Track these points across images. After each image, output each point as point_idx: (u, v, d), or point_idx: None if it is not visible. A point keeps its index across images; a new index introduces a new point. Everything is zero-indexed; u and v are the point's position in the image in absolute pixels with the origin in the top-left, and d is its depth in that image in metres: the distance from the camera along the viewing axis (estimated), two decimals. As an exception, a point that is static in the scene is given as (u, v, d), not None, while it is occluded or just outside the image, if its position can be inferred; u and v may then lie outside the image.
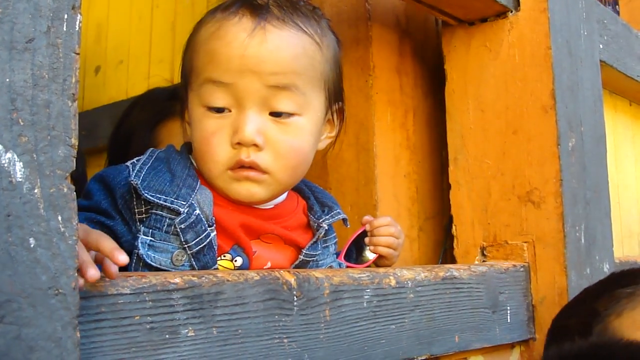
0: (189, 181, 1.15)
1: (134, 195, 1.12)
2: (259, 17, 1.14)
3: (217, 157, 1.14)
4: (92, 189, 1.16)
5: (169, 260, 1.10)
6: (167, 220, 1.11)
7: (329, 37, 1.23)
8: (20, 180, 0.67)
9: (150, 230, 1.12)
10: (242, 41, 1.12)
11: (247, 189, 1.15)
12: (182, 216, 1.10)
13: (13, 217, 0.66)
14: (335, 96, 1.25)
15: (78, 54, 0.72)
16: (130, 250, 1.12)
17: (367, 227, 1.37)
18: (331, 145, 1.31)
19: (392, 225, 1.38)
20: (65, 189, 0.70)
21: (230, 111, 1.14)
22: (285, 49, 1.14)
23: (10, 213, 0.66)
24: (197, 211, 1.11)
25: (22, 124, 0.67)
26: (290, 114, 1.15)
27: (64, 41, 0.71)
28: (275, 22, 1.15)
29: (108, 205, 1.15)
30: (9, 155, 0.66)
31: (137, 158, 1.18)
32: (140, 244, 1.11)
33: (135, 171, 1.13)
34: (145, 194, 1.10)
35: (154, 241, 1.11)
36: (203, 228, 1.11)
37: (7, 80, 0.66)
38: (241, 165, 1.13)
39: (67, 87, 0.71)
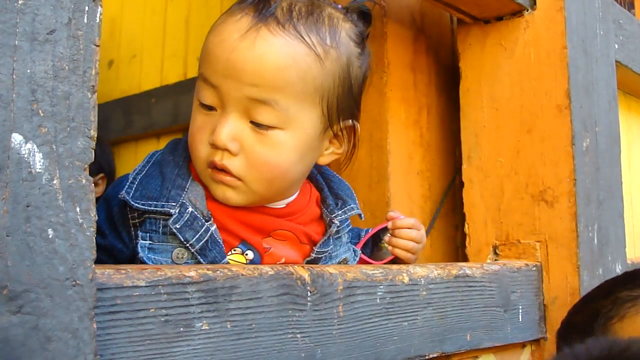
0: (178, 181, 1.14)
1: (128, 204, 1.12)
2: (258, 18, 1.08)
3: (198, 154, 1.13)
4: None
5: (170, 260, 1.11)
6: (162, 221, 1.12)
7: (343, 49, 1.15)
8: (39, 171, 0.67)
9: (148, 234, 1.12)
10: (232, 42, 1.08)
11: (222, 192, 1.13)
12: (174, 217, 1.10)
13: (32, 208, 0.66)
14: (341, 113, 1.17)
15: (98, 45, 0.72)
16: (128, 261, 1.13)
17: (389, 225, 1.35)
18: (344, 162, 1.25)
19: (415, 229, 1.34)
20: (84, 181, 0.71)
21: (216, 110, 1.12)
22: (270, 58, 1.07)
23: (29, 204, 0.66)
24: (190, 209, 1.11)
25: (42, 115, 0.68)
26: (269, 127, 1.10)
27: (84, 33, 0.71)
28: (273, 26, 1.08)
29: (103, 219, 1.16)
30: (28, 146, 0.66)
31: (138, 164, 1.19)
32: (140, 248, 1.11)
33: (128, 183, 1.14)
34: (136, 204, 1.11)
35: (152, 244, 1.12)
36: (200, 224, 1.11)
37: (28, 71, 0.67)
38: (215, 167, 1.12)
39: (87, 79, 0.71)
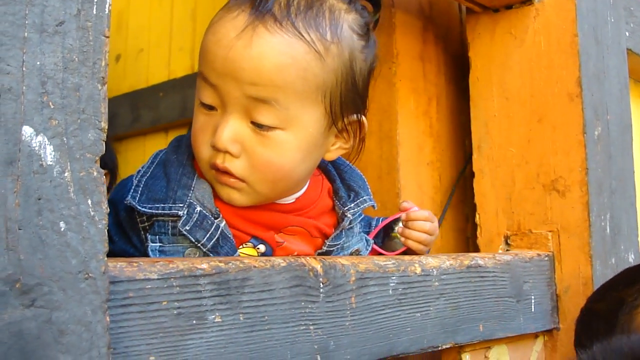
0: (183, 181, 1.12)
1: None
2: (255, 15, 1.05)
3: (201, 155, 1.11)
4: None
5: None
6: (170, 223, 1.11)
7: (345, 44, 1.11)
8: (50, 163, 0.67)
9: (157, 236, 1.11)
10: (229, 41, 1.05)
11: (227, 193, 1.12)
12: (183, 218, 1.09)
13: (44, 201, 0.66)
14: (346, 109, 1.14)
15: (108, 37, 0.72)
16: None
17: (402, 217, 1.34)
18: (353, 156, 1.23)
19: (429, 221, 1.33)
20: (95, 173, 0.70)
21: (217, 110, 1.09)
22: (269, 57, 1.04)
23: (40, 196, 0.66)
24: (199, 208, 1.10)
25: (52, 107, 0.67)
26: (270, 127, 1.07)
27: (93, 24, 0.71)
28: (270, 23, 1.04)
29: (110, 225, 1.14)
30: (39, 138, 0.66)
31: (143, 164, 1.18)
32: (150, 252, 1.11)
33: (133, 186, 1.12)
34: (143, 208, 1.10)
35: (163, 246, 1.11)
36: (210, 222, 1.10)
37: (38, 63, 0.66)
38: (217, 169, 1.10)
39: (97, 71, 0.71)
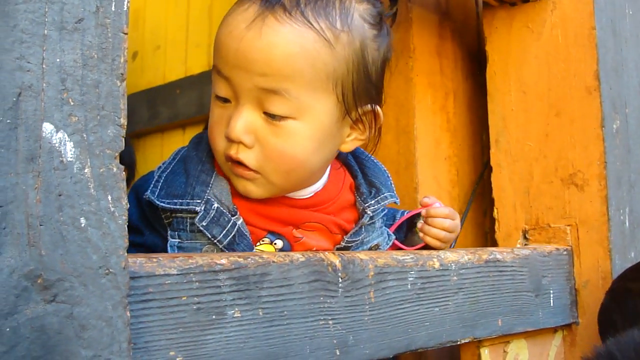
0: (202, 177, 1.13)
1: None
2: (265, 6, 1.06)
3: (217, 147, 1.12)
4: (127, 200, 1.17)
5: None
6: (189, 220, 1.11)
7: (356, 33, 1.11)
8: (70, 160, 0.67)
9: (177, 232, 1.12)
10: (240, 32, 1.06)
11: (243, 185, 1.12)
12: (200, 214, 1.09)
13: (64, 197, 0.66)
14: (359, 99, 1.14)
15: (126, 33, 0.72)
16: None
17: (423, 212, 1.33)
18: (370, 147, 1.24)
19: (449, 218, 1.31)
20: (115, 169, 0.71)
21: (231, 102, 1.10)
22: (278, 47, 1.04)
23: (61, 193, 0.66)
24: (216, 204, 1.11)
25: (72, 104, 0.68)
26: (282, 117, 1.08)
27: (112, 21, 0.71)
28: (279, 13, 1.05)
29: (137, 218, 1.17)
30: (59, 135, 0.66)
31: (163, 161, 1.19)
32: (169, 248, 1.12)
33: (153, 181, 1.14)
34: (161, 204, 1.11)
35: (181, 242, 1.12)
36: (227, 219, 1.10)
37: (58, 60, 0.67)
38: (232, 160, 1.10)
39: (116, 67, 0.71)
